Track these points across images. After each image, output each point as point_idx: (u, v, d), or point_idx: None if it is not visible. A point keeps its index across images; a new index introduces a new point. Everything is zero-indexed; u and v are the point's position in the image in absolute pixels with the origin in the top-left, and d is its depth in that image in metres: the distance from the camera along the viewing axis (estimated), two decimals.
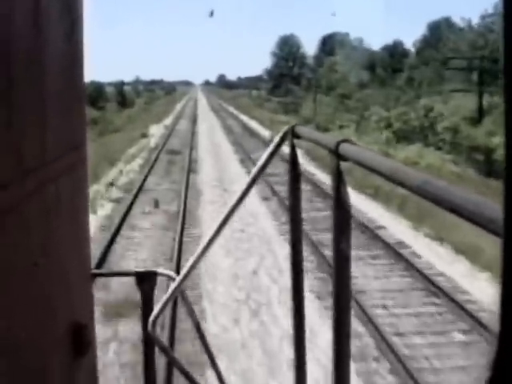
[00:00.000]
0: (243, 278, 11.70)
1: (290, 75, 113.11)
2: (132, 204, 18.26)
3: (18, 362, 1.37)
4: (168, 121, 58.93)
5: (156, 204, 17.82)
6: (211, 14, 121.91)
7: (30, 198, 1.48)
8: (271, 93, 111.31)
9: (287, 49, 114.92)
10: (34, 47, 1.52)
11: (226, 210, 1.81)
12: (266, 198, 18.59)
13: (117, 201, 19.09)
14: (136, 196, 19.35)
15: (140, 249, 13.64)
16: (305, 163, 23.90)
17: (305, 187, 17.74)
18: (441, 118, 41.03)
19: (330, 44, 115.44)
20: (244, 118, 61.34)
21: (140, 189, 20.76)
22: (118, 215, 16.59)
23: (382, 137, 42.49)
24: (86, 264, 2.12)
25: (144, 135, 41.89)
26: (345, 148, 1.27)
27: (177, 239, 13.81)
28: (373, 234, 14.26)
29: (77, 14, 1.96)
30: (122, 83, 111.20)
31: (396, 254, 12.68)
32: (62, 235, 1.75)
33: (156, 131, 45.87)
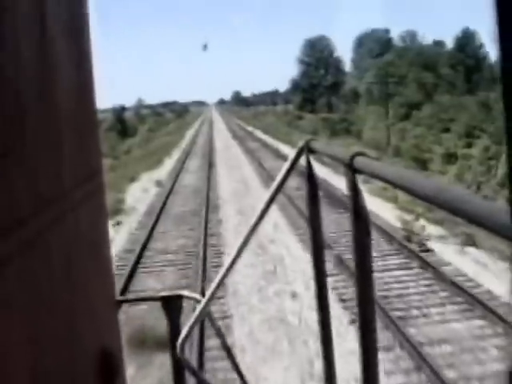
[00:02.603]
0: None
1: (323, 85, 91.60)
2: None
3: None
4: (170, 163, 37.04)
5: None
6: (205, 47, 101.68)
7: (51, 229, 1.48)
8: (301, 108, 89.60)
9: (317, 54, 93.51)
10: (43, 77, 1.50)
11: (246, 230, 1.79)
12: None
13: None
14: None
15: None
16: None
17: None
18: None
19: (367, 45, 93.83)
20: (286, 149, 39.10)
21: None
22: None
23: None
24: (110, 291, 2.08)
25: (113, 212, 19.93)
26: (359, 161, 1.28)
27: None
28: None
29: (85, 42, 1.95)
30: (122, 108, 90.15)
31: None
32: (84, 264, 1.74)
33: (140, 195, 23.88)
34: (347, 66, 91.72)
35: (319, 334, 1.85)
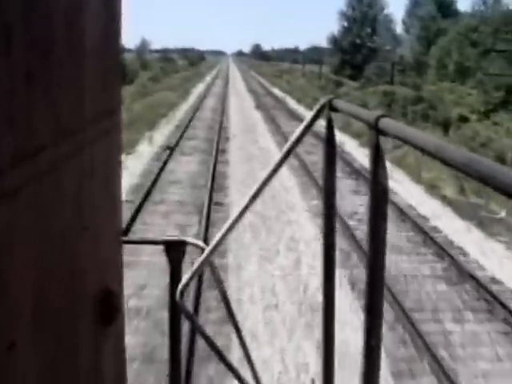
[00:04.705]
0: None
1: (368, 47, 72.62)
2: None
3: (48, 326, 1.34)
4: (141, 160, 18.82)
5: None
6: None
7: (67, 161, 1.46)
8: (339, 71, 70.73)
9: (364, 8, 74.20)
10: (73, 7, 1.49)
11: (258, 183, 1.73)
12: None
13: None
14: None
15: None
16: None
17: None
18: None
19: (424, 4, 74.35)
20: (360, 156, 20.81)
21: None
22: None
23: None
24: (116, 230, 2.06)
25: None
26: (385, 122, 1.21)
27: None
28: None
29: None
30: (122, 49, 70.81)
31: None
32: (94, 200, 1.72)
33: None
34: (398, 27, 72.61)
35: (322, 310, 1.69)
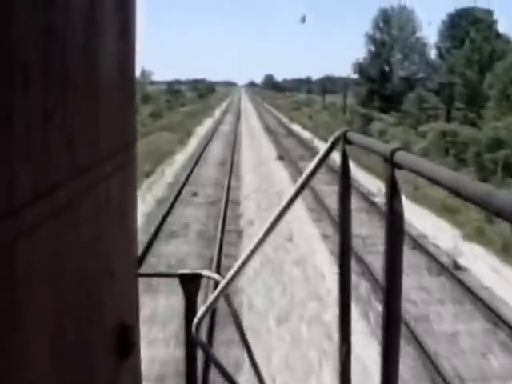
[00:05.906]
0: None
1: (399, 75, 63.14)
2: None
3: (66, 360, 1.34)
4: None
5: None
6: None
7: (83, 196, 1.45)
8: (367, 102, 61.20)
9: (394, 31, 64.84)
10: (89, 44, 1.49)
11: (273, 215, 1.69)
12: None
13: None
14: None
15: None
16: None
17: None
18: None
19: (462, 25, 64.85)
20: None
21: None
22: None
23: None
24: (132, 264, 2.02)
25: None
26: (400, 156, 1.19)
27: None
28: None
29: (130, 13, 1.91)
30: None
31: None
32: (110, 234, 1.71)
33: None
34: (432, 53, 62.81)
35: (338, 341, 1.65)
